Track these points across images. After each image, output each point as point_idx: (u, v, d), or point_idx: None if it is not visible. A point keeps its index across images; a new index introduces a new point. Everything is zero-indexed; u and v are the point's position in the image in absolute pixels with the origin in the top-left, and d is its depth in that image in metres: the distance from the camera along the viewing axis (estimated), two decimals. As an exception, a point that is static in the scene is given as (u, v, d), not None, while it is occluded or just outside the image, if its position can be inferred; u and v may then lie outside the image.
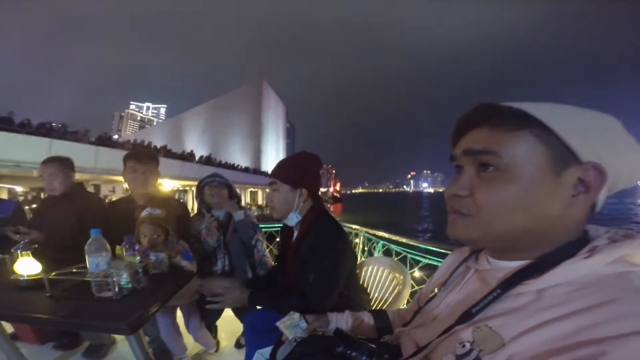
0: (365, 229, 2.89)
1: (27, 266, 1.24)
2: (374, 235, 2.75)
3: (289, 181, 1.26)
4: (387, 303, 1.50)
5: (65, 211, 2.00)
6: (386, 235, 2.60)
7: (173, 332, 1.77)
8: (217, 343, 2.07)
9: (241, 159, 53.27)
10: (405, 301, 1.48)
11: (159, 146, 19.34)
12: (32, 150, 10.79)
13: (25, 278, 1.23)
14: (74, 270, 1.20)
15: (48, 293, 1.11)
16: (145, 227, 1.55)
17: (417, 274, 2.10)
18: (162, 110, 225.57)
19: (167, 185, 18.89)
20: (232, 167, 28.85)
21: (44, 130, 12.45)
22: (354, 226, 3.00)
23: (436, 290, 0.73)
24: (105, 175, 14.16)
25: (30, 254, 1.27)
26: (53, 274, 1.16)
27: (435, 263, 1.98)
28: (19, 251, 1.28)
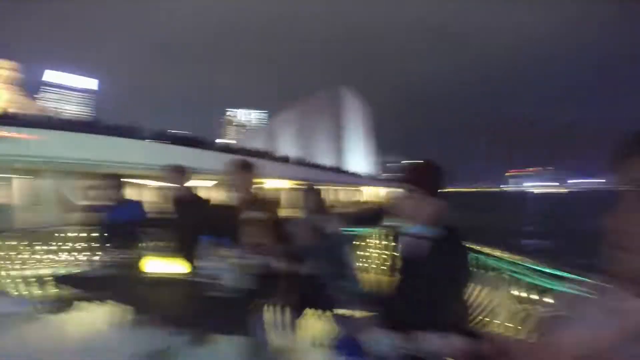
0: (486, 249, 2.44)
1: (155, 265, 1.47)
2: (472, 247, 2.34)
3: (427, 189, 1.17)
4: (483, 322, 1.41)
5: (188, 213, 2.31)
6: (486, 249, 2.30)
7: (263, 326, 1.83)
8: (297, 340, 2.09)
9: (326, 159, 57.09)
10: (504, 320, 1.36)
11: (261, 150, 23.70)
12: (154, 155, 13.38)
13: (152, 275, 1.45)
14: (189, 271, 1.33)
15: (167, 288, 1.33)
16: (251, 229, 1.67)
17: (517, 292, 1.88)
18: (258, 115, 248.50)
19: (271, 183, 23.18)
20: (319, 167, 32.18)
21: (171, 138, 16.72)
22: None
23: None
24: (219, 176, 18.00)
25: (158, 255, 1.51)
26: (187, 273, 1.34)
27: (547, 285, 1.76)
28: (148, 252, 1.50)
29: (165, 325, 1.70)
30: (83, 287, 2.21)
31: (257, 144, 67.67)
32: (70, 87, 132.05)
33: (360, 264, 2.86)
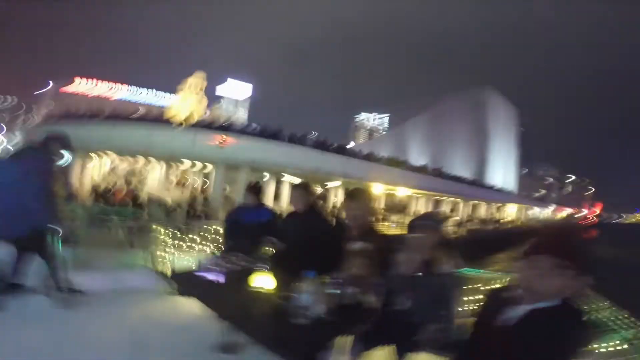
0: (614, 307, 2.04)
1: (261, 281, 1.59)
2: (623, 319, 1.96)
3: (580, 266, 1.02)
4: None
5: (301, 226, 2.43)
6: None
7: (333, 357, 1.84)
8: None
9: (462, 170, 52.79)
10: None
11: (386, 155, 24.03)
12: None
13: (262, 291, 1.57)
14: (291, 294, 1.41)
15: (266, 307, 1.41)
16: (357, 259, 1.73)
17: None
18: (386, 120, 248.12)
19: (401, 192, 23.38)
20: (457, 178, 30.21)
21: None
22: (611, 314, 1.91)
23: None
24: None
25: (266, 272, 1.62)
26: (275, 294, 1.45)
27: None
28: (257, 268, 1.63)
29: (241, 333, 1.71)
30: (185, 284, 2.44)
31: (388, 149, 68.24)
32: (235, 95, 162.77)
33: (464, 309, 2.51)
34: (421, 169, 24.18)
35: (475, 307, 2.46)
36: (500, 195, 39.99)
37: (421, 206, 25.91)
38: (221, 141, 12.28)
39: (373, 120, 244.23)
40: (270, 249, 2.58)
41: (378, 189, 19.83)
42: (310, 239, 2.27)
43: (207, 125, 14.02)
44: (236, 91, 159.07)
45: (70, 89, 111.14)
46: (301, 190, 2.64)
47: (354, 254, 1.78)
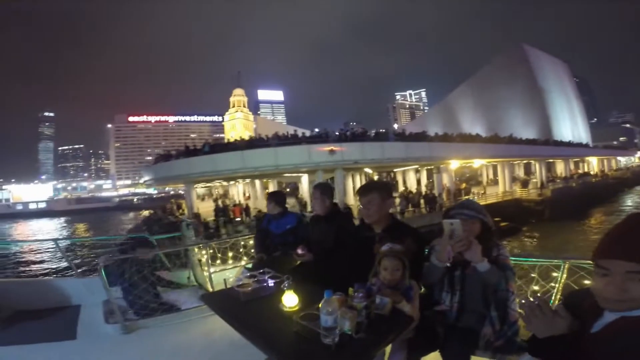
0: None
1: (289, 300, 1.61)
2: None
3: None
4: None
5: (326, 230, 2.43)
6: None
7: None
8: None
9: (526, 132, 50.26)
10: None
11: (438, 133, 24.23)
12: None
13: (287, 310, 1.57)
14: (315, 312, 1.35)
15: (295, 329, 1.37)
16: (388, 260, 1.65)
17: None
18: (423, 94, 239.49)
19: (477, 163, 23.84)
20: (530, 141, 29.50)
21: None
22: None
23: None
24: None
25: (292, 291, 1.61)
26: (301, 314, 1.40)
27: None
28: (285, 288, 1.64)
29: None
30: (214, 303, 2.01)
31: (438, 124, 66.68)
32: (272, 102, 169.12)
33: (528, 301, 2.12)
34: (492, 139, 24.32)
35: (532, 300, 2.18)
36: (576, 150, 37.72)
37: (499, 173, 26.09)
38: (331, 150, 14.29)
39: (410, 98, 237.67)
40: (299, 259, 2.47)
41: (454, 164, 20.67)
42: (338, 247, 2.23)
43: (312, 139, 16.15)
44: (271, 97, 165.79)
45: (135, 121, 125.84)
46: (318, 192, 2.52)
47: (382, 256, 1.67)
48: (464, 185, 23.01)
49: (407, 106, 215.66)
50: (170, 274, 3.85)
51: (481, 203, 14.75)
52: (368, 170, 19.86)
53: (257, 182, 22.55)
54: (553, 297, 2.21)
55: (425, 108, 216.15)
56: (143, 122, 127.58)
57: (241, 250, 4.09)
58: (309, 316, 1.39)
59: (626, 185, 35.44)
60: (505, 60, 61.33)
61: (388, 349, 1.69)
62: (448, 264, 1.68)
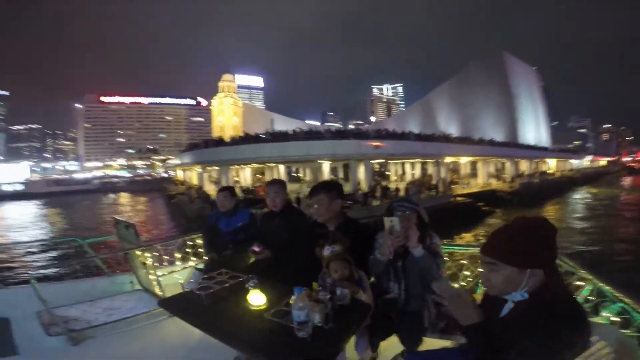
0: (597, 281, 1.98)
1: (255, 299, 1.65)
2: (610, 292, 1.90)
3: (515, 262, 1.07)
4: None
5: (281, 225, 2.50)
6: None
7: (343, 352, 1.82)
8: (375, 358, 2.09)
9: (494, 133, 57.07)
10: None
11: (416, 130, 30.32)
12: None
13: (254, 308, 1.62)
14: (285, 309, 1.47)
15: (267, 326, 1.44)
16: (335, 264, 1.80)
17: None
18: (400, 89, 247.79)
19: (463, 160, 29.57)
20: (503, 144, 35.92)
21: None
22: (581, 271, 2.07)
23: None
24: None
25: (258, 290, 1.66)
26: (271, 312, 1.49)
27: None
28: (250, 287, 1.68)
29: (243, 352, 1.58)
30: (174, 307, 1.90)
31: (417, 121, 72.61)
32: (251, 87, 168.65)
33: (463, 284, 2.68)
34: (479, 142, 30.14)
35: (463, 284, 2.63)
36: (538, 152, 45.23)
37: (479, 168, 32.22)
38: (376, 145, 18.93)
39: (386, 91, 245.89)
40: (256, 256, 2.54)
41: (447, 160, 26.14)
42: (294, 243, 2.31)
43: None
44: (251, 83, 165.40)
45: (108, 102, 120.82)
46: (278, 186, 2.61)
47: (327, 260, 1.81)
48: (455, 176, 28.70)
49: (384, 100, 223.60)
50: (109, 279, 3.64)
51: (466, 191, 20.50)
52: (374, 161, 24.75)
53: (282, 166, 26.55)
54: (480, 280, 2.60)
55: (401, 103, 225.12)
56: (117, 103, 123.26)
57: (188, 250, 3.92)
58: (279, 313, 1.49)
59: (576, 184, 42.98)
60: (484, 65, 67.74)
61: (353, 338, 1.83)
62: (390, 257, 1.89)
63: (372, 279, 2.09)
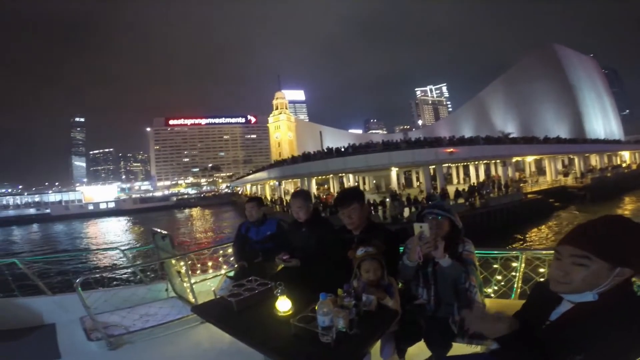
0: None
1: (282, 305, 1.72)
2: None
3: (611, 258, 0.99)
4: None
5: (308, 235, 2.59)
6: None
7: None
8: None
9: (559, 128, 55.41)
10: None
11: (471, 132, 31.77)
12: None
13: (281, 314, 1.70)
14: (310, 314, 1.52)
15: (292, 331, 1.50)
16: (367, 263, 1.87)
17: None
18: (444, 89, 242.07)
19: (529, 159, 30.72)
20: (569, 140, 36.17)
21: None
22: None
23: None
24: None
25: (285, 296, 1.73)
26: (297, 317, 1.54)
27: None
28: (278, 294, 1.75)
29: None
30: (206, 313, 2.04)
31: (470, 123, 72.26)
32: (294, 101, 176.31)
33: (495, 289, 2.67)
34: (545, 141, 31.24)
35: (496, 289, 2.63)
36: (609, 146, 43.84)
37: (546, 165, 33.25)
38: (450, 151, 21.78)
39: (430, 93, 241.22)
40: (283, 264, 2.65)
41: (514, 159, 27.78)
42: (321, 251, 2.40)
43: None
44: (295, 97, 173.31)
45: (175, 124, 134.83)
46: (301, 199, 2.71)
47: (360, 260, 1.88)
48: (523, 175, 30.05)
49: (430, 102, 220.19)
50: (147, 287, 3.80)
51: (536, 189, 22.46)
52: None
53: (351, 176, 30.02)
54: (515, 285, 2.58)
55: (448, 103, 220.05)
56: (180, 125, 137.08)
57: (220, 259, 4.10)
58: (305, 318, 1.53)
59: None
60: (536, 59, 66.49)
61: (378, 343, 1.89)
62: (419, 263, 1.90)
63: (400, 284, 2.15)
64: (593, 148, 38.69)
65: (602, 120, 64.35)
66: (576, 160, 35.38)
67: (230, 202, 63.13)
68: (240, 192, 59.89)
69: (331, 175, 31.77)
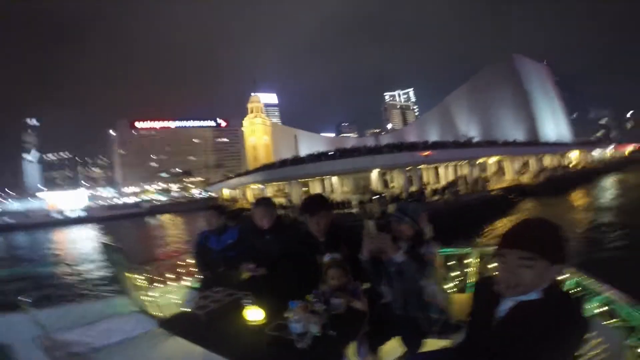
0: (580, 275, 2.04)
1: (253, 314, 1.72)
2: (590, 285, 1.95)
3: (552, 257, 1.10)
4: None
5: (272, 241, 2.62)
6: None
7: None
8: None
9: (516, 132, 60.73)
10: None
11: (436, 136, 35.95)
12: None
13: (253, 323, 1.69)
14: (283, 322, 1.56)
15: (266, 340, 1.53)
16: (333, 271, 1.94)
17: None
18: (411, 94, 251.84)
19: (492, 160, 34.72)
20: (526, 143, 40.99)
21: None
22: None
23: None
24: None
25: (255, 305, 1.73)
26: (271, 326, 1.58)
27: None
28: (247, 304, 1.75)
29: None
30: (173, 325, 2.09)
31: (436, 126, 76.97)
32: (267, 105, 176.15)
33: (451, 285, 2.80)
34: (504, 144, 35.55)
35: (457, 284, 2.77)
36: (558, 147, 49.89)
37: (506, 166, 37.59)
38: (426, 154, 24.62)
39: (398, 97, 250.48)
40: (252, 273, 2.65)
41: (479, 161, 31.47)
42: (286, 258, 2.42)
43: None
44: (267, 100, 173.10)
45: (142, 127, 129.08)
46: (264, 206, 2.77)
47: (326, 266, 1.96)
48: (486, 175, 33.98)
49: (398, 106, 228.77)
50: (105, 302, 3.67)
51: (498, 186, 26.94)
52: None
53: (334, 179, 32.27)
54: (468, 280, 2.77)
55: (414, 107, 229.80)
56: (147, 128, 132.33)
57: (182, 270, 3.98)
58: (278, 326, 1.57)
59: (599, 173, 46.82)
60: (496, 68, 72.11)
61: (354, 344, 1.91)
62: (368, 258, 2.02)
63: (364, 285, 2.20)
64: (545, 150, 44.23)
65: (554, 124, 71.03)
66: (530, 161, 40.21)
67: (209, 207, 60.89)
68: (218, 197, 60.02)
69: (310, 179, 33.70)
